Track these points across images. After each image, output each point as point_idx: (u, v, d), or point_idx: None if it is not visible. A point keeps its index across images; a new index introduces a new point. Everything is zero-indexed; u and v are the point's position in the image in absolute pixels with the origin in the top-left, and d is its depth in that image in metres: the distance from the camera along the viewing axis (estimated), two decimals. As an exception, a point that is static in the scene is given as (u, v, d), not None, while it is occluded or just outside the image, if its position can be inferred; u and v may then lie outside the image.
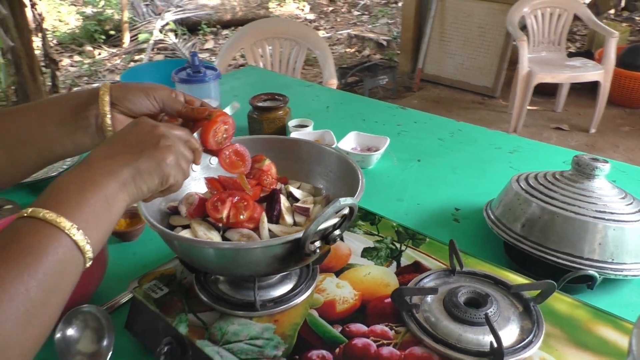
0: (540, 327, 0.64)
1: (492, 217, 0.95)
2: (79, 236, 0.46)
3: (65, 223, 0.46)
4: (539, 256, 0.84)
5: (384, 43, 5.01)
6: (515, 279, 0.74)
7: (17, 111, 0.68)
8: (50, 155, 0.68)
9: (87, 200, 0.49)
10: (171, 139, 0.57)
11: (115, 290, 0.84)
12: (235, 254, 0.62)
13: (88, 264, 0.49)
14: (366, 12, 6.40)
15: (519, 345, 0.61)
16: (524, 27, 3.41)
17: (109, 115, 0.64)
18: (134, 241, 0.99)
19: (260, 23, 2.50)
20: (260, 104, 1.29)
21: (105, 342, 0.73)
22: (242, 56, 3.86)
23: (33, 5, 3.41)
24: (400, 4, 5.58)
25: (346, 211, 0.62)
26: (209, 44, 5.31)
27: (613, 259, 0.82)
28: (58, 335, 0.71)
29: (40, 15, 3.51)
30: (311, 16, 6.36)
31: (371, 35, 5.20)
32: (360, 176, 0.71)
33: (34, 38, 3.49)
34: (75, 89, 4.26)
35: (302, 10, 6.57)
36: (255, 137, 0.84)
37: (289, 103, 1.34)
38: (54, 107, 0.66)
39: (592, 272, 0.79)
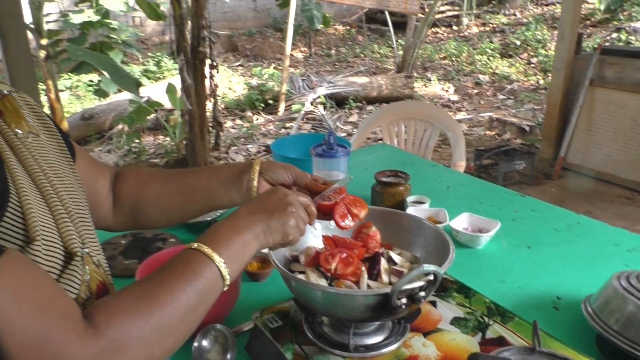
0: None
1: (589, 309, 0.98)
2: (223, 268, 0.68)
3: (216, 257, 0.68)
4: (629, 352, 0.86)
5: (527, 128, 4.96)
6: (594, 367, 0.78)
7: (194, 170, 0.97)
8: (211, 205, 0.94)
9: (232, 243, 0.71)
10: (295, 206, 0.78)
11: (242, 318, 1.03)
12: (337, 298, 0.77)
13: (224, 289, 0.70)
14: (512, 97, 6.39)
15: None
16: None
17: (256, 181, 0.88)
18: (262, 282, 1.19)
19: (398, 105, 2.72)
20: (383, 179, 1.45)
21: (228, 357, 0.91)
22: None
23: (212, 77, 4.05)
24: (548, 90, 5.51)
25: (431, 277, 0.74)
26: (353, 117, 5.70)
27: None
28: (195, 344, 0.92)
29: (215, 85, 4.15)
30: (455, 97, 6.52)
31: (514, 119, 5.19)
32: (451, 250, 0.83)
33: (207, 103, 4.12)
34: (232, 148, 4.84)
35: (447, 91, 6.76)
36: (370, 208, 1.00)
37: (411, 180, 1.48)
38: (220, 171, 0.93)
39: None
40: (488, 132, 5.18)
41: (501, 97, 6.45)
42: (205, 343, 0.92)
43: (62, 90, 6.28)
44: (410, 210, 1.40)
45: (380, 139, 4.04)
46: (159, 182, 0.95)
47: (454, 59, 8.05)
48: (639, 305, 0.89)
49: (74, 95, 6.47)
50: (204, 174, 0.94)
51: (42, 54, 4.07)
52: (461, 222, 1.37)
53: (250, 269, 1.19)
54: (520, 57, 7.74)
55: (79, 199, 0.75)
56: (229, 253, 0.69)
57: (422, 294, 0.75)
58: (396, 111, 2.64)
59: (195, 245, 0.68)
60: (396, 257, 0.90)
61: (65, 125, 4.25)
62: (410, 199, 1.46)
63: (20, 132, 0.69)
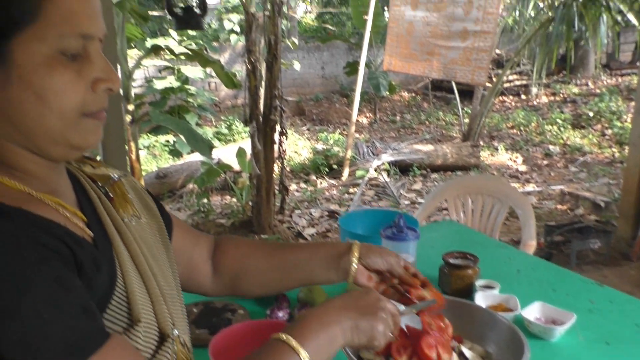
0: None
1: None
2: None
3: (302, 353, 0.70)
4: None
5: (602, 204, 4.74)
6: None
7: (294, 247, 1.06)
8: (308, 282, 1.04)
9: (319, 337, 0.73)
10: (386, 312, 0.79)
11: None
12: (406, 393, 0.76)
13: None
14: (584, 170, 6.17)
15: None
16: None
17: (354, 265, 0.94)
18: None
19: (465, 179, 2.71)
20: (451, 261, 1.44)
21: None
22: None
23: (281, 143, 4.21)
24: (625, 164, 5.28)
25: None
26: (417, 185, 5.69)
27: None
28: None
29: (284, 150, 4.30)
30: (523, 168, 6.38)
31: (587, 194, 4.98)
32: (526, 349, 0.81)
33: (274, 167, 4.27)
34: (296, 211, 4.93)
35: (515, 161, 6.64)
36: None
37: (479, 263, 1.46)
38: (320, 250, 0.99)
39: None
40: (559, 206, 4.99)
41: (573, 169, 6.24)
42: None
43: (140, 149, 6.72)
44: (479, 295, 1.36)
45: (446, 209, 3.98)
46: (260, 256, 1.01)
47: (522, 128, 7.93)
48: None
49: (151, 154, 6.90)
50: (304, 252, 1.00)
51: (128, 118, 4.41)
52: (533, 312, 1.32)
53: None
54: (593, 129, 7.52)
55: (171, 279, 0.81)
56: (314, 347, 0.71)
57: (496, 397, 0.73)
58: (463, 185, 2.63)
59: (284, 337, 0.71)
60: (467, 352, 0.88)
61: (142, 183, 4.53)
62: (479, 282, 1.43)
63: (126, 216, 0.76)
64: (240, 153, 4.81)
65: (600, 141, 7.08)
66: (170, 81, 7.43)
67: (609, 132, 7.28)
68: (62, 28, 0.59)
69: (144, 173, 5.58)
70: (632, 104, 7.73)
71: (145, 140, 7.13)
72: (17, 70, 0.58)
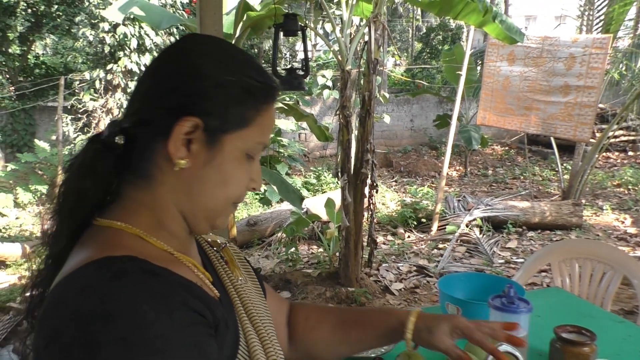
0: None
1: None
2: None
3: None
4: None
5: None
6: None
7: (358, 319, 1.04)
8: (363, 350, 1.07)
9: None
10: None
11: None
12: None
13: None
14: None
15: None
16: None
17: (410, 334, 0.94)
18: None
19: (571, 243, 2.53)
20: (565, 335, 1.32)
21: None
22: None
23: (371, 196, 4.20)
24: None
25: None
26: (512, 244, 5.40)
27: None
28: None
29: (374, 204, 4.28)
30: (632, 230, 5.86)
31: None
32: None
33: (363, 219, 4.25)
34: (383, 265, 4.84)
35: (622, 222, 6.13)
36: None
37: (597, 340, 1.33)
38: (382, 320, 0.99)
39: None
40: (677, 275, 4.49)
41: (691, 233, 5.65)
42: None
43: (234, 197, 7.00)
44: (598, 377, 1.23)
45: (545, 271, 3.74)
46: (327, 330, 1.03)
47: (630, 187, 7.35)
48: None
49: (242, 202, 7.16)
50: (368, 327, 1.01)
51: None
52: (665, 402, 1.17)
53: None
54: None
55: (275, 338, 0.82)
56: None
57: None
58: (569, 249, 2.45)
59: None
60: None
61: (234, 231, 4.68)
62: (596, 362, 1.29)
63: (238, 279, 0.79)
64: (329, 204, 4.86)
65: None
66: (264, 133, 7.76)
67: None
68: (259, 137, 0.74)
69: (236, 220, 5.79)
70: None
71: (238, 188, 7.44)
72: (220, 157, 0.71)
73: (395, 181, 8.68)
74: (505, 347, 0.91)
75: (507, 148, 10.51)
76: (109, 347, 0.53)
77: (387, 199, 7.11)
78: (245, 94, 0.72)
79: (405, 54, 16.81)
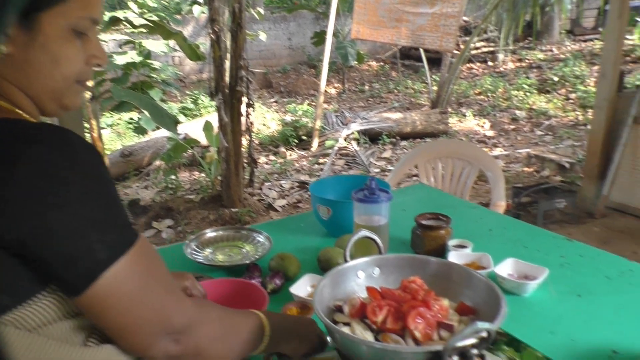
0: None
1: (651, 368, 0.92)
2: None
3: (267, 330, 0.85)
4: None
5: (567, 165, 4.83)
6: None
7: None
8: None
9: (276, 334, 0.87)
10: (319, 333, 0.94)
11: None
12: (384, 354, 0.74)
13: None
14: (550, 133, 6.27)
15: None
16: None
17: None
18: (301, 328, 1.16)
19: (435, 143, 2.70)
20: (424, 222, 1.43)
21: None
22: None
23: (248, 115, 4.12)
24: (589, 127, 5.39)
25: (484, 334, 0.71)
26: (387, 154, 5.69)
27: None
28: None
29: (251, 122, 4.21)
30: (490, 133, 6.44)
31: (553, 156, 5.07)
32: (503, 304, 0.79)
33: (242, 139, 4.18)
34: (266, 184, 4.88)
35: (482, 127, 6.70)
36: (416, 257, 0.98)
37: (451, 223, 1.45)
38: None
39: None
40: (526, 169, 5.07)
41: (539, 133, 6.34)
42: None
43: (103, 128, 6.51)
44: (452, 255, 1.36)
45: (416, 175, 4.00)
46: None
47: (489, 94, 8.00)
48: None
49: (115, 133, 6.69)
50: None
51: (88, 95, 4.24)
52: (506, 268, 1.32)
53: (289, 314, 1.17)
54: (558, 93, 7.63)
55: None
56: (276, 334, 0.85)
57: (475, 351, 0.72)
58: (433, 149, 2.62)
59: (261, 313, 0.86)
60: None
61: (106, 162, 4.38)
62: (451, 242, 1.42)
63: None
64: (207, 127, 4.70)
65: (564, 105, 7.20)
66: (132, 56, 7.15)
67: (573, 96, 7.41)
68: (81, 11, 0.72)
69: (108, 152, 5.41)
70: (595, 68, 7.88)
71: (108, 118, 6.91)
72: (42, 37, 0.70)
73: (276, 102, 8.61)
74: (364, 233, 0.95)
75: (381, 63, 10.80)
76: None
77: (267, 120, 7.06)
78: None
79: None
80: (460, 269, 0.93)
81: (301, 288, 1.23)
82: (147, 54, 7.41)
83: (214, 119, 4.45)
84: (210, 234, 1.56)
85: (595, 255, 1.48)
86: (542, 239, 1.60)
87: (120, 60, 6.91)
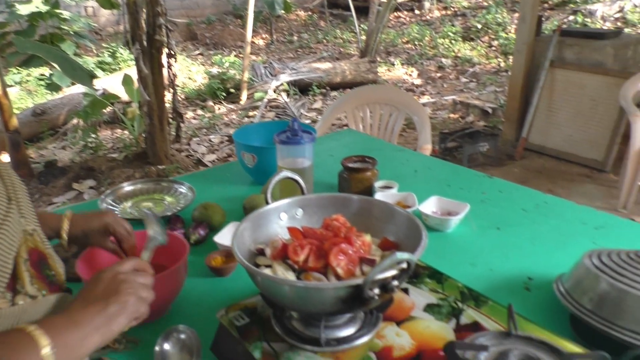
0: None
1: (561, 289, 0.97)
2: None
3: (44, 345, 0.61)
4: (603, 331, 0.85)
5: (490, 110, 5.01)
6: (572, 348, 0.76)
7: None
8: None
9: (66, 338, 0.64)
10: (129, 281, 0.73)
11: (206, 317, 0.97)
12: (306, 292, 0.72)
13: None
14: (474, 80, 6.45)
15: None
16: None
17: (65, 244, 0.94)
18: (227, 277, 1.13)
19: (362, 90, 2.68)
20: (350, 165, 1.41)
21: (194, 359, 0.86)
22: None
23: (169, 66, 3.91)
24: (509, 73, 5.58)
25: (404, 265, 0.71)
26: (317, 104, 5.65)
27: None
28: (157, 348, 0.85)
29: (174, 74, 4.01)
30: (418, 81, 6.54)
31: (477, 102, 5.23)
32: (423, 235, 0.79)
33: (166, 93, 3.98)
34: (194, 139, 4.72)
35: (410, 75, 6.78)
36: (338, 196, 0.96)
37: (378, 165, 1.45)
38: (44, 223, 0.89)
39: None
40: (452, 115, 5.21)
41: (464, 80, 6.50)
42: (167, 346, 0.86)
43: (10, 86, 5.99)
44: (379, 195, 1.36)
45: (346, 125, 3.99)
46: None
47: (416, 43, 8.07)
48: (612, 284, 0.87)
49: (25, 91, 6.18)
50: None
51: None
52: (430, 206, 1.34)
53: (214, 263, 1.13)
54: (481, 41, 7.82)
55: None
56: (63, 345, 0.63)
57: (396, 282, 0.71)
58: (361, 96, 2.60)
59: (31, 328, 0.62)
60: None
61: (14, 122, 4.04)
62: (378, 184, 1.42)
63: None
64: (127, 80, 4.43)
65: (487, 52, 7.40)
66: (37, 5, 6.56)
67: (495, 43, 7.61)
68: None
69: (17, 111, 5.00)
70: (516, 15, 8.10)
71: (15, 75, 6.36)
72: None
73: (201, 54, 8.26)
74: (285, 173, 0.91)
75: (310, 13, 10.57)
76: None
77: (193, 73, 6.77)
78: None
79: None
80: (382, 204, 0.92)
81: (226, 237, 1.20)
82: (55, 3, 6.81)
83: (134, 72, 4.20)
84: (128, 187, 1.48)
85: (513, 190, 1.54)
86: (465, 177, 1.64)
87: (23, 9, 6.31)
